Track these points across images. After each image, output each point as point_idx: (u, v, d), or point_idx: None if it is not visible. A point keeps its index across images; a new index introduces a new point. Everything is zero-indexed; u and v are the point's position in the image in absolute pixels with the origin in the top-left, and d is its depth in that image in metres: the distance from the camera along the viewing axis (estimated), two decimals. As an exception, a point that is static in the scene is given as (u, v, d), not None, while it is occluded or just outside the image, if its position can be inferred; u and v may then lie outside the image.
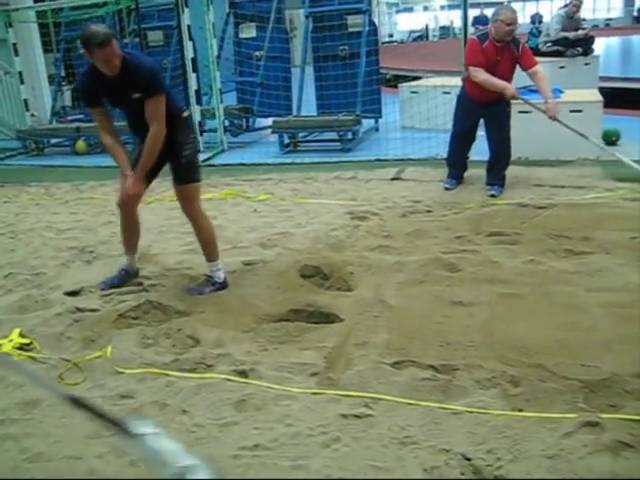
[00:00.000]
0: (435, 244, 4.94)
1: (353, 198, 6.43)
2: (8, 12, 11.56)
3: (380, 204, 6.13)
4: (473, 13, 22.81)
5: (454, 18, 36.77)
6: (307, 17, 10.19)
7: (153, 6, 10.71)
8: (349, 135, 8.94)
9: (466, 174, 6.67)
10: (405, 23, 46.16)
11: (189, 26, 9.19)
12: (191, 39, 9.25)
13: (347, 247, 5.00)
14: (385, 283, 4.25)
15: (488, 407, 2.79)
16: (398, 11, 48.17)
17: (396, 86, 10.98)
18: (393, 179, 7.07)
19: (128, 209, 4.31)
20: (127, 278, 4.52)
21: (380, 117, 10.17)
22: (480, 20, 21.04)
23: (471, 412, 2.76)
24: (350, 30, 9.86)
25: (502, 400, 2.85)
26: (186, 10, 9.09)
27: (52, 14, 11.81)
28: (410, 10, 47.87)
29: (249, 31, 10.89)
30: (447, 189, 6.49)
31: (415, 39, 37.86)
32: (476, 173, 6.62)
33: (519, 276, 4.25)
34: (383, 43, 35.53)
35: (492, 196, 6.13)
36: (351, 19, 9.79)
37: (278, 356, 3.36)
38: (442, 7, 45.92)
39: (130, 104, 4.01)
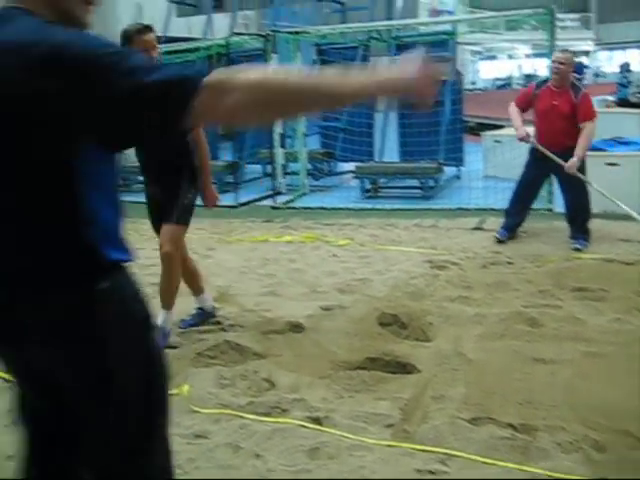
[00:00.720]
0: (516, 297, 4.85)
1: (433, 247, 6.40)
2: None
3: (460, 254, 6.08)
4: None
5: (538, 66, 36.45)
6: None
7: (242, 52, 11.03)
8: (430, 183, 8.93)
9: (548, 226, 6.55)
10: (489, 71, 46.02)
11: (277, 72, 9.41)
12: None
13: (426, 296, 4.96)
14: (464, 335, 4.18)
15: (570, 472, 2.68)
16: (482, 59, 48.14)
17: (479, 134, 10.95)
18: (474, 229, 7.01)
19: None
20: (205, 317, 4.59)
21: (462, 165, 10.13)
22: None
23: (552, 477, 2.67)
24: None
25: (585, 466, 2.74)
26: (274, 56, 9.35)
27: (147, 58, 12.36)
28: (494, 58, 47.71)
29: (336, 77, 11.08)
30: (498, 240, 6.36)
31: (499, 87, 37.67)
32: (559, 225, 6.49)
33: (604, 335, 4.12)
34: (466, 91, 35.56)
35: (576, 249, 5.98)
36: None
37: (353, 405, 3.34)
38: (527, 55, 45.63)
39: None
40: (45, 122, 1.40)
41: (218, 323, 4.58)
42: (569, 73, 5.97)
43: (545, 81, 6.14)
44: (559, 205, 6.67)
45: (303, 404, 3.35)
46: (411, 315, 4.51)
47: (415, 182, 9.17)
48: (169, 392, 1.83)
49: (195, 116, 1.39)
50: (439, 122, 9.64)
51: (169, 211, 4.07)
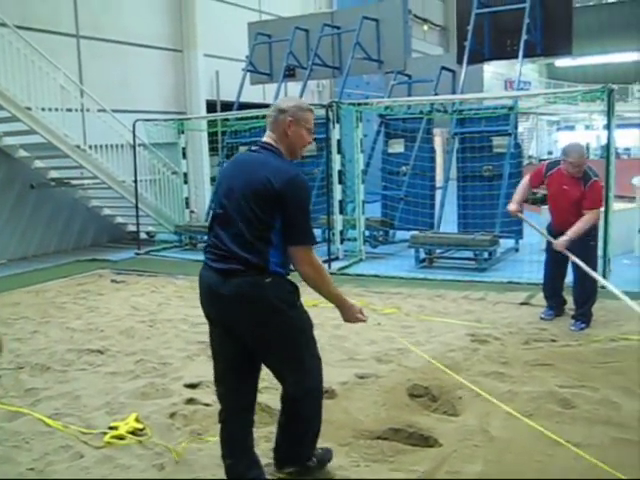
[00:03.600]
0: (553, 376, 4.81)
1: (478, 320, 6.41)
2: (182, 121, 12.80)
3: (504, 328, 6.06)
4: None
5: (617, 137, 35.92)
6: (454, 136, 10.48)
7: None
8: (485, 255, 8.94)
9: (599, 305, 6.42)
10: (567, 141, 45.66)
11: (339, 140, 9.72)
12: (340, 152, 9.76)
13: (462, 370, 4.97)
14: (492, 412, 4.18)
15: None
16: (559, 129, 47.88)
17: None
18: (522, 304, 6.98)
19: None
20: None
21: (521, 237, 10.09)
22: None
23: None
24: (495, 151, 10.02)
25: None
26: (337, 125, 9.65)
27: (221, 123, 12.95)
28: (572, 128, 47.36)
29: (397, 146, 11.34)
30: (542, 319, 6.38)
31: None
32: (609, 305, 6.40)
33: (639, 421, 4.04)
34: (541, 160, 35.35)
35: (572, 330, 6.02)
36: (496, 140, 9.97)
37: (367, 474, 3.39)
38: (605, 126, 45.10)
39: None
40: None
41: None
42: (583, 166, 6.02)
43: (557, 162, 6.16)
44: (621, 284, 6.52)
45: (319, 471, 3.42)
46: (442, 388, 4.55)
47: (470, 253, 9.18)
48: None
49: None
50: (498, 194, 9.69)
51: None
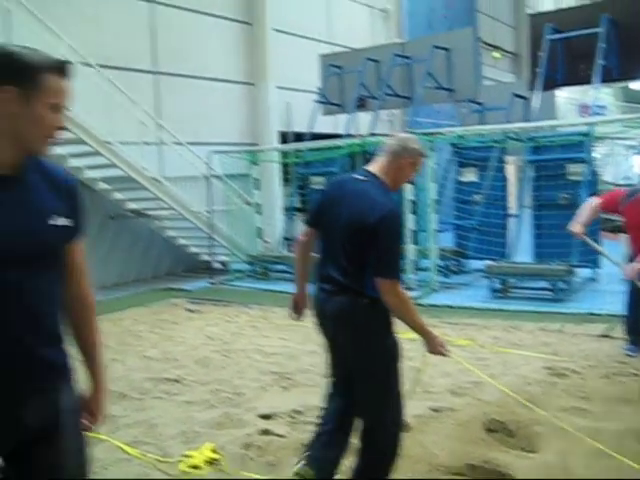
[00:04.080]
0: (636, 413, 4.63)
1: (555, 352, 6.25)
2: (255, 152, 13.06)
3: (583, 362, 5.89)
4: None
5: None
6: (528, 164, 10.33)
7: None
8: (561, 285, 8.73)
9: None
10: (644, 166, 44.18)
11: (412, 170, 9.69)
12: (412, 182, 9.74)
13: (539, 404, 4.82)
14: (572, 449, 4.04)
15: None
16: (636, 153, 46.53)
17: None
18: (601, 336, 6.76)
19: None
20: None
21: (598, 267, 9.81)
22: None
23: None
24: (570, 178, 9.81)
25: None
26: (409, 155, 9.64)
27: (293, 154, 13.14)
28: (649, 152, 45.97)
29: (470, 175, 11.25)
30: (628, 355, 6.02)
31: (655, 183, 36.03)
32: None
33: None
34: (617, 185, 34.36)
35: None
36: (572, 168, 9.76)
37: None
38: (687, 152, 43.54)
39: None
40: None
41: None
42: None
43: (637, 191, 5.77)
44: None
45: (394, 504, 3.39)
46: (520, 423, 4.44)
47: (546, 283, 8.97)
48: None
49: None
50: (574, 223, 9.45)
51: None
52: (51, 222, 1.93)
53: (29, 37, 8.80)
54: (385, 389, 3.29)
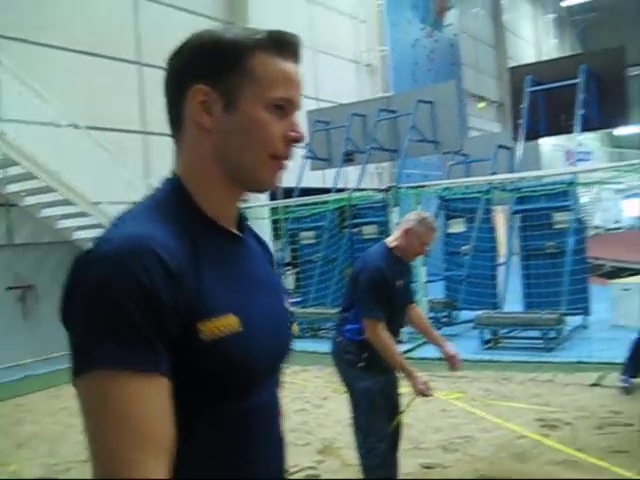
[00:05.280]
0: (631, 466, 4.59)
1: (546, 403, 6.21)
2: (245, 209, 13.10)
3: (575, 412, 5.86)
4: None
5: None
6: (514, 214, 10.42)
7: (367, 203, 11.53)
8: (552, 334, 8.72)
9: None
10: (633, 209, 44.48)
11: (398, 223, 9.77)
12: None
13: (531, 458, 4.82)
14: (565, 505, 4.02)
15: None
16: (627, 196, 46.86)
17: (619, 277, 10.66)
18: (593, 385, 6.74)
19: None
20: None
21: (588, 314, 9.82)
22: None
23: None
24: (557, 227, 9.90)
25: None
26: (396, 208, 9.74)
27: (282, 210, 13.23)
28: (638, 195, 46.30)
29: (458, 226, 11.34)
30: (625, 389, 6.18)
31: (643, 226, 36.31)
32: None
33: None
34: (608, 230, 34.54)
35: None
36: (558, 216, 9.86)
37: None
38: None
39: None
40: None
41: (317, 477, 4.66)
42: None
43: None
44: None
45: None
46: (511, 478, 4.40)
47: (537, 333, 8.97)
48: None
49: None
50: (562, 271, 9.52)
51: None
52: (285, 303, 1.32)
53: (17, 101, 8.94)
54: (358, 428, 3.64)
